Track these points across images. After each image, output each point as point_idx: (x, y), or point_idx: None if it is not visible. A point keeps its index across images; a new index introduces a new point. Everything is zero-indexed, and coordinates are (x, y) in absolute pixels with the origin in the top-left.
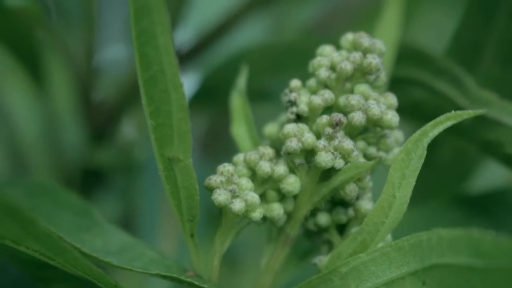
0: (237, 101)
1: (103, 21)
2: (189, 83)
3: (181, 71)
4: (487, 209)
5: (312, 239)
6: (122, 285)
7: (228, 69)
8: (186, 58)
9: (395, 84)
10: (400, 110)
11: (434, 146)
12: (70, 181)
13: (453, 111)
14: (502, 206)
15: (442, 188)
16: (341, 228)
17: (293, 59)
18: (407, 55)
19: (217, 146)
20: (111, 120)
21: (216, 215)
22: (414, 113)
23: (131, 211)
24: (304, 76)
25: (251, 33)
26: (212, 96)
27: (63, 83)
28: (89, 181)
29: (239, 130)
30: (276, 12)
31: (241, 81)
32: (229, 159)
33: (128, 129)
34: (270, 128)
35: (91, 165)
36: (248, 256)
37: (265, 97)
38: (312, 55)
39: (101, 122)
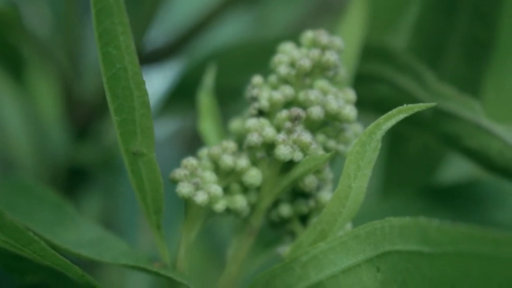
0: (205, 98)
1: (85, 21)
2: (169, 80)
3: (159, 67)
4: (452, 200)
5: (276, 230)
6: (103, 280)
7: (206, 66)
8: (164, 54)
9: (360, 80)
10: (365, 105)
11: (401, 140)
12: (55, 180)
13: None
14: (466, 198)
15: (411, 181)
16: (304, 219)
17: (271, 57)
18: (371, 52)
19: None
20: (94, 119)
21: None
22: (379, 108)
23: (114, 207)
24: None
25: (233, 31)
26: (191, 92)
27: (46, 83)
28: (73, 179)
29: (206, 126)
30: (259, 10)
31: (209, 78)
32: None
33: (110, 128)
34: (235, 123)
35: (75, 163)
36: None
37: (242, 94)
38: None
39: (84, 121)
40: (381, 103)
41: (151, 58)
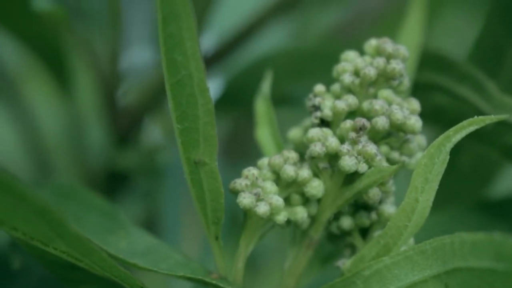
0: (262, 105)
1: (127, 24)
2: (213, 87)
3: (206, 75)
4: (508, 214)
5: (335, 243)
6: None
7: (251, 74)
8: (210, 62)
9: (418, 89)
10: (422, 115)
11: (455, 151)
12: (95, 184)
13: (475, 116)
14: None
15: (464, 194)
16: (364, 232)
17: (316, 64)
18: (430, 61)
19: (240, 151)
20: (135, 124)
21: (240, 219)
22: (436, 118)
23: (154, 213)
24: (327, 81)
25: (274, 39)
26: (235, 100)
27: (88, 86)
28: (113, 184)
29: (263, 134)
30: (299, 18)
31: (266, 85)
32: (251, 164)
33: (151, 133)
34: (294, 133)
35: (115, 168)
36: (270, 260)
37: (288, 102)
38: (334, 60)
39: (125, 126)
40: (440, 113)
41: None
